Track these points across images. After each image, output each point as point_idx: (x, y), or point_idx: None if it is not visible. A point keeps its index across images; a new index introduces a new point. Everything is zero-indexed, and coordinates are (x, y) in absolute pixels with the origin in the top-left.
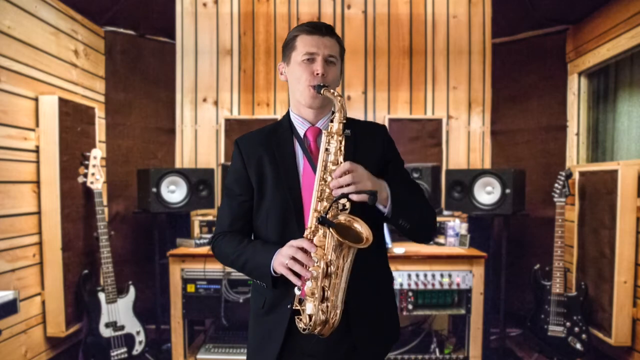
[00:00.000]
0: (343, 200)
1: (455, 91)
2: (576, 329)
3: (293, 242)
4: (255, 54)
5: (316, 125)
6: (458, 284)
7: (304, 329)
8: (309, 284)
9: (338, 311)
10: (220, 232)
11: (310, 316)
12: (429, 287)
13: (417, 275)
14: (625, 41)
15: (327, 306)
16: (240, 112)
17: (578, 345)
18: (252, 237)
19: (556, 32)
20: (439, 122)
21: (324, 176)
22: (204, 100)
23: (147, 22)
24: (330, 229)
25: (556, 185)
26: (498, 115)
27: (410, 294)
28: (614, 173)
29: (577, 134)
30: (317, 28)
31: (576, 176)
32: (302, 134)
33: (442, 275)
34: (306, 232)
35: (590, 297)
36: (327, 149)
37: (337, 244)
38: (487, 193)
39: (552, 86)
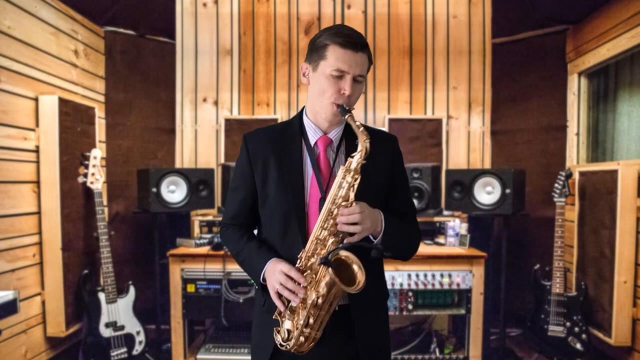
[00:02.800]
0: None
1: (455, 91)
2: (576, 329)
3: (284, 269)
4: (255, 54)
5: (328, 135)
6: (458, 284)
7: (282, 345)
8: (293, 303)
9: (317, 338)
10: (225, 223)
11: (289, 334)
12: (429, 287)
13: (417, 275)
14: (625, 41)
15: (309, 331)
16: (240, 112)
17: (578, 345)
18: (258, 229)
19: (556, 32)
20: (439, 122)
21: (332, 208)
22: (204, 100)
23: (147, 22)
24: (330, 270)
25: (556, 185)
26: (498, 115)
27: (410, 294)
28: (614, 173)
29: (577, 134)
30: (353, 43)
31: (576, 176)
32: (312, 142)
33: (442, 275)
34: (302, 254)
35: (590, 297)
36: (340, 184)
37: (332, 283)
38: (487, 193)
39: (552, 86)
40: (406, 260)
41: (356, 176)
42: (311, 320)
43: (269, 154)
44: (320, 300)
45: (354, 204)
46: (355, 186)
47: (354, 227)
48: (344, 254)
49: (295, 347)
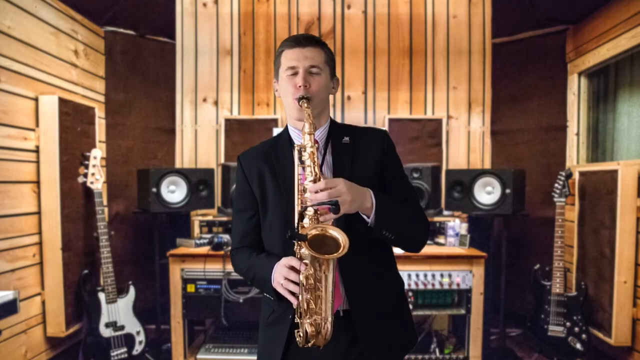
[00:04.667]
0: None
1: (455, 91)
2: (576, 329)
3: (284, 261)
4: (255, 54)
5: None
6: (458, 284)
7: (299, 342)
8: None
9: (328, 322)
10: (234, 248)
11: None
12: (429, 287)
13: (417, 275)
14: (625, 41)
15: (315, 319)
16: (240, 112)
17: (578, 345)
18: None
19: (556, 32)
20: (439, 122)
21: (301, 189)
22: (204, 100)
23: (147, 22)
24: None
25: (556, 185)
26: (498, 115)
27: (410, 294)
28: (614, 173)
29: (577, 134)
30: (297, 41)
31: (576, 176)
32: None
33: (442, 275)
34: (296, 247)
35: (590, 297)
36: (301, 162)
37: (313, 258)
38: (487, 193)
39: (552, 86)
40: (416, 249)
41: (311, 150)
42: (312, 305)
43: (263, 167)
44: (310, 280)
45: (321, 177)
46: (317, 160)
47: (323, 196)
48: (313, 230)
49: (310, 339)
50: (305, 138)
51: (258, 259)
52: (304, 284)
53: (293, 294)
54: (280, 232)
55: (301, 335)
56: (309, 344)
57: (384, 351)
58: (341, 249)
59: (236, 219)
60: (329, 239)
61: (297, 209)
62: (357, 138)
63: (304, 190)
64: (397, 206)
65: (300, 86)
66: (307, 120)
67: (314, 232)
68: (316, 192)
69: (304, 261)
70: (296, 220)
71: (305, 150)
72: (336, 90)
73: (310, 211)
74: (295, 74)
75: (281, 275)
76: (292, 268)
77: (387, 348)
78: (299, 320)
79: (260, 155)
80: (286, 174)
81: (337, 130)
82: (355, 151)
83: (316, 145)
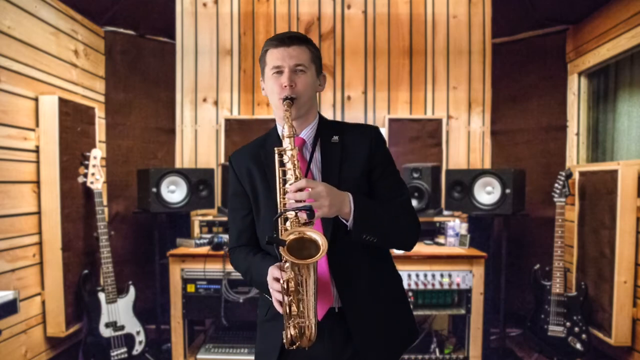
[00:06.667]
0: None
1: (455, 91)
2: (576, 329)
3: (271, 272)
4: (255, 54)
5: (300, 136)
6: (458, 284)
7: (285, 345)
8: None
9: (312, 324)
10: (231, 247)
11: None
12: (429, 287)
13: (417, 275)
14: (625, 41)
15: (299, 322)
16: (240, 112)
17: (578, 345)
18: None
19: (556, 32)
20: (439, 122)
21: (283, 192)
22: (204, 100)
23: (147, 22)
24: (279, 249)
25: (556, 185)
26: (498, 115)
27: (410, 294)
28: (614, 173)
29: (577, 134)
30: (281, 40)
31: (576, 176)
32: None
33: (442, 275)
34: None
35: (590, 297)
36: (281, 164)
37: (292, 263)
38: (487, 193)
39: (552, 86)
40: (405, 248)
41: (291, 152)
42: (294, 308)
43: (253, 167)
44: (291, 284)
45: (302, 178)
46: (297, 163)
47: (303, 197)
48: (290, 235)
49: (297, 341)
50: (285, 142)
51: (254, 261)
52: (285, 288)
53: (280, 302)
54: (271, 232)
55: (287, 338)
56: (294, 347)
57: (380, 348)
58: (320, 252)
59: (231, 218)
60: (308, 242)
61: (279, 212)
62: (347, 136)
63: (285, 192)
64: (378, 210)
65: (285, 86)
66: (286, 122)
67: (292, 236)
68: (296, 191)
69: (286, 265)
70: (279, 224)
71: (285, 154)
72: (323, 88)
73: (292, 214)
74: (281, 73)
75: (270, 285)
76: (276, 279)
77: (383, 344)
78: (285, 323)
79: (250, 155)
80: (275, 174)
81: (325, 129)
82: (344, 150)
83: (297, 148)
